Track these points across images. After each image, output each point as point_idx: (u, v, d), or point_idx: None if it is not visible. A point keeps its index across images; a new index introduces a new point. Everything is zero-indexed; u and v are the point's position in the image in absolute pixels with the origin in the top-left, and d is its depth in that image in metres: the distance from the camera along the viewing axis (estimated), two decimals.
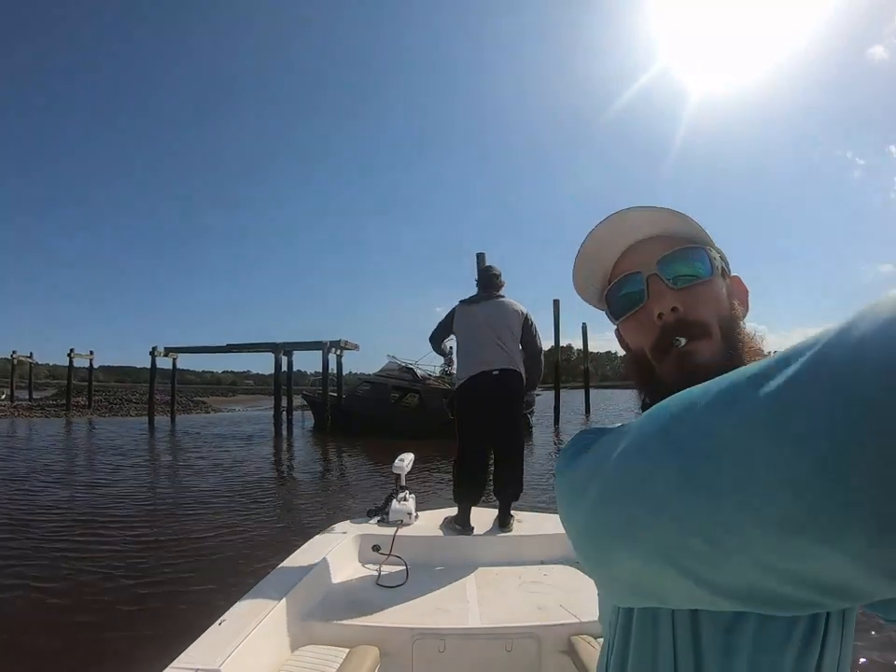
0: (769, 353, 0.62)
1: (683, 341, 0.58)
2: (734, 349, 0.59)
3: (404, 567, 2.38)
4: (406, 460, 3.02)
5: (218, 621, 1.63)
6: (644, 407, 0.64)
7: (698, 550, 0.33)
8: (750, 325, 0.65)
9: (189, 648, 1.47)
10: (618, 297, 0.67)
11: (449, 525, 2.83)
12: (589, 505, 0.45)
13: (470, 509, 2.93)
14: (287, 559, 2.26)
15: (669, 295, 0.61)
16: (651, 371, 0.63)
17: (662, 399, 0.54)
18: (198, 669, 1.36)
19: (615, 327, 0.71)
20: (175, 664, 1.38)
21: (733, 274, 0.69)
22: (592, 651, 1.64)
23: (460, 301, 3.46)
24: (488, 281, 3.44)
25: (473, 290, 3.50)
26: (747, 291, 0.69)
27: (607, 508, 0.42)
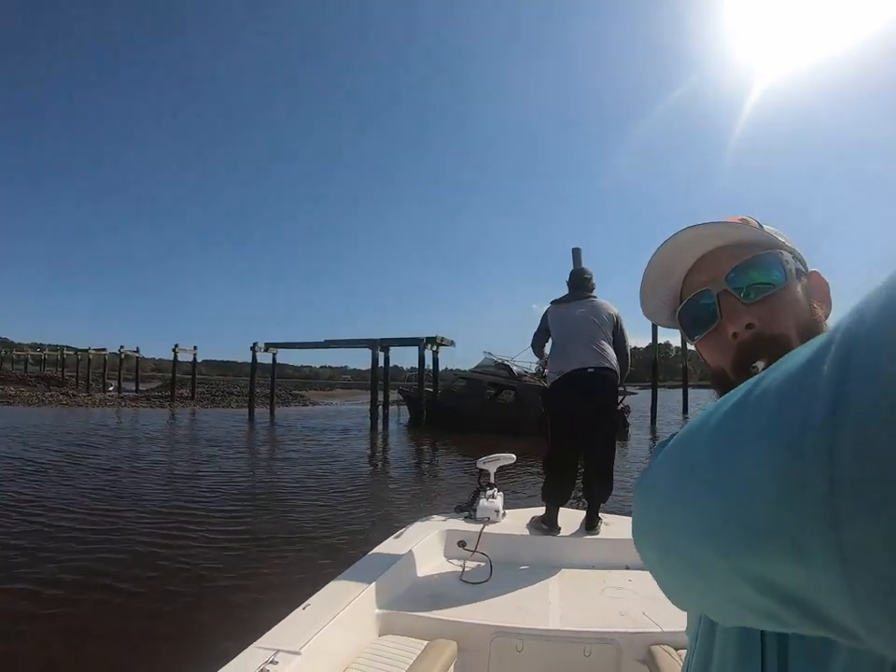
0: None
1: (760, 365, 0.54)
2: None
3: (488, 565, 2.38)
4: (496, 457, 3.02)
5: (303, 605, 1.70)
6: None
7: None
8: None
9: (273, 629, 1.54)
10: (690, 317, 0.64)
11: (536, 524, 2.82)
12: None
13: (558, 509, 2.90)
14: (374, 550, 2.32)
15: (743, 311, 0.58)
16: None
17: None
18: (279, 650, 1.41)
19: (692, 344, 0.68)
20: (257, 643, 1.46)
21: (811, 270, 0.64)
22: (671, 662, 1.58)
23: (552, 302, 3.47)
24: (580, 283, 3.44)
25: (564, 287, 3.51)
26: (828, 286, 0.65)
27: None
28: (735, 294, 0.59)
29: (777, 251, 0.61)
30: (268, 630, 1.53)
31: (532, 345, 3.59)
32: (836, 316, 0.60)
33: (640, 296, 0.68)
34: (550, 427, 3.24)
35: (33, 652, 3.25)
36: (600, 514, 2.90)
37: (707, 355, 0.64)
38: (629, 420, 18.05)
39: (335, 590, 1.85)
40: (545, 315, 3.48)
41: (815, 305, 0.60)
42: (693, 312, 0.64)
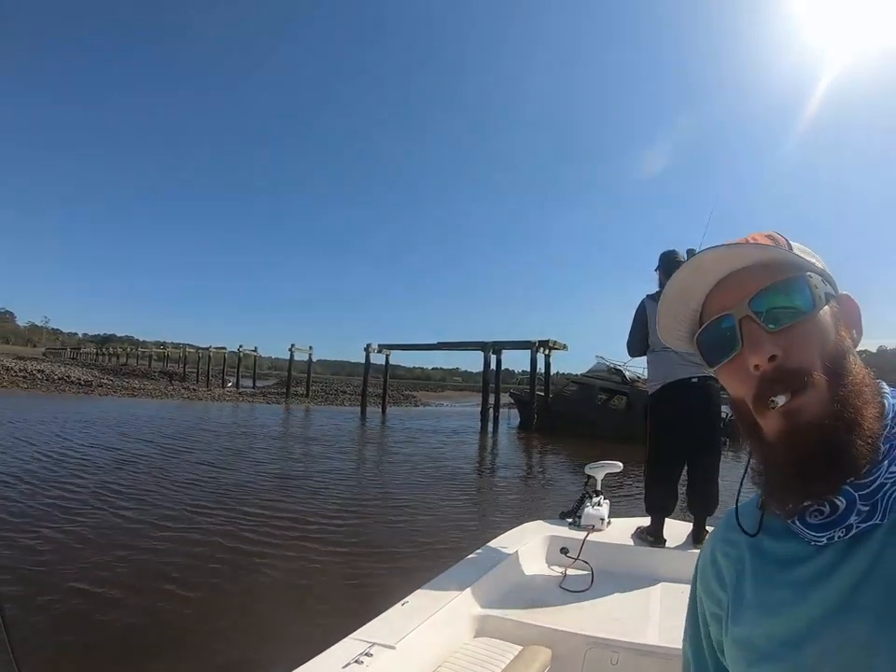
0: (883, 392, 0.57)
1: (781, 399, 0.52)
2: (841, 397, 0.52)
3: (590, 573, 2.35)
4: (604, 464, 2.98)
5: (402, 601, 1.75)
6: (751, 468, 0.60)
7: None
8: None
9: (370, 623, 1.59)
10: (709, 343, 0.60)
11: (641, 535, 2.77)
12: None
13: (663, 521, 2.83)
14: (476, 551, 2.36)
15: (766, 341, 0.54)
16: (755, 425, 0.57)
17: (767, 457, 0.57)
18: (374, 643, 1.44)
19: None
20: (354, 634, 1.51)
21: (841, 293, 0.60)
22: None
23: (648, 297, 3.25)
24: (673, 269, 3.16)
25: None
26: (859, 311, 0.60)
27: None
28: (758, 321, 0.55)
29: (805, 274, 0.56)
30: (366, 623, 1.58)
31: (629, 345, 3.34)
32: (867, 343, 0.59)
33: (658, 319, 0.65)
34: (650, 437, 3.13)
35: None
36: (708, 528, 2.80)
37: (727, 383, 0.60)
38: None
39: (434, 588, 1.89)
40: (642, 310, 3.24)
41: (842, 333, 0.57)
42: (712, 337, 0.60)
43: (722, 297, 0.59)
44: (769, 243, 0.59)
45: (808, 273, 0.56)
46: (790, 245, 0.60)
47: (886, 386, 0.58)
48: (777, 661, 0.54)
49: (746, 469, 0.61)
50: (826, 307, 0.56)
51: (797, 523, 0.56)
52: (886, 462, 0.52)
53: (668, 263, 3.23)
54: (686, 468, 3.12)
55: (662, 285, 3.23)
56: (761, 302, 0.55)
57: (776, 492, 0.56)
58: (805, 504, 0.54)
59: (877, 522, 0.51)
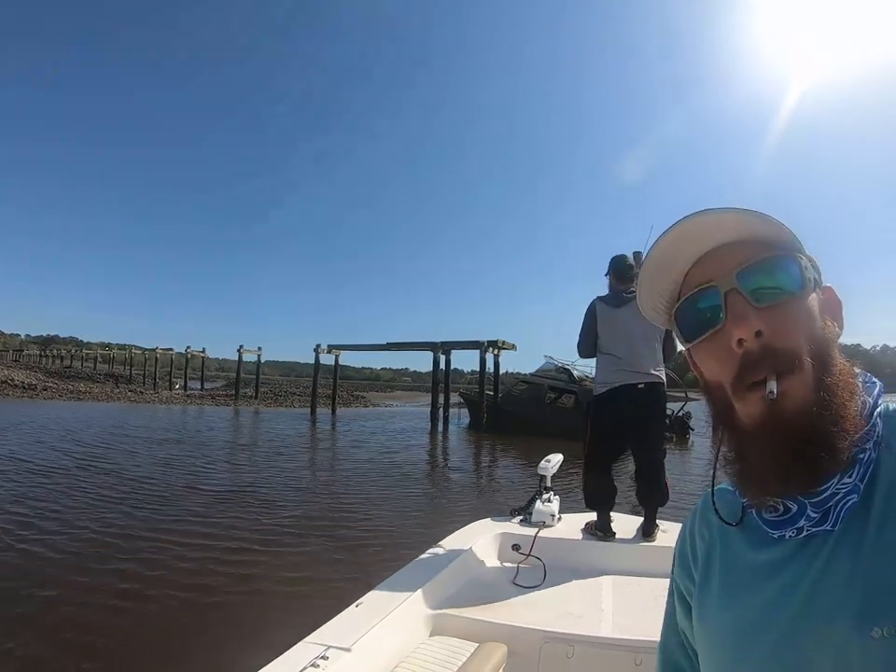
0: (862, 382, 0.54)
1: (774, 387, 0.48)
2: (827, 386, 0.50)
3: (542, 569, 2.37)
4: (553, 461, 3.01)
5: (355, 603, 1.73)
6: (721, 456, 0.57)
7: None
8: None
9: (325, 625, 1.57)
10: (689, 316, 0.57)
11: (590, 530, 2.81)
12: None
13: (609, 514, 2.90)
14: (428, 551, 2.35)
15: (753, 315, 0.51)
16: (730, 410, 0.54)
17: (743, 445, 0.53)
18: (329, 646, 1.42)
19: (684, 349, 0.60)
20: (308, 639, 1.48)
21: (825, 284, 0.57)
22: None
23: (599, 299, 3.28)
24: (628, 275, 3.21)
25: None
26: (840, 305, 0.57)
27: None
28: (744, 294, 0.52)
29: (796, 254, 0.54)
30: (320, 626, 1.55)
31: (579, 347, 3.36)
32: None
33: (638, 289, 0.61)
34: (589, 436, 3.19)
35: None
36: (658, 521, 2.86)
37: (703, 362, 0.57)
38: (692, 424, 17.50)
39: (388, 589, 1.88)
40: (592, 312, 3.25)
41: (828, 322, 0.54)
42: (693, 310, 0.56)
43: (707, 269, 0.56)
44: None
45: (799, 255, 0.54)
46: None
47: (874, 379, 0.56)
48: (737, 643, 0.54)
49: (716, 456, 0.58)
50: (814, 293, 0.54)
51: (754, 513, 0.56)
52: (840, 473, 0.50)
53: (619, 266, 3.26)
54: (634, 465, 3.23)
55: (612, 289, 3.29)
56: (749, 276, 0.52)
57: (751, 484, 0.54)
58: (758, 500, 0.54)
59: (829, 528, 0.50)
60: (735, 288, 0.52)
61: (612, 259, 3.30)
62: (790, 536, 0.52)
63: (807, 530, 0.51)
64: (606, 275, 3.34)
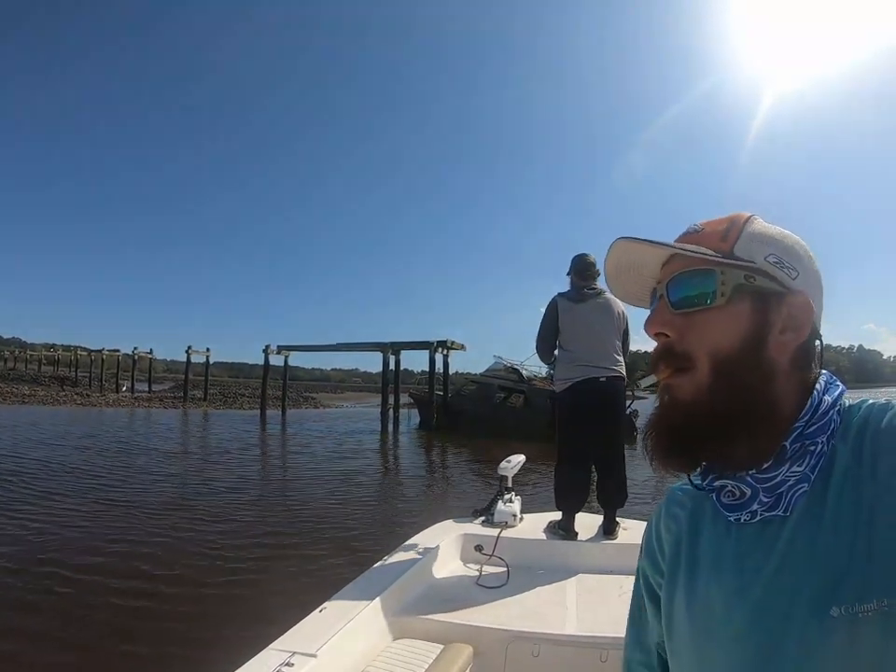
0: (825, 383, 0.60)
1: (643, 382, 0.56)
2: (724, 389, 0.55)
3: (505, 569, 2.37)
4: (513, 462, 3.00)
5: (319, 608, 1.71)
6: None
7: None
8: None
9: (289, 632, 1.54)
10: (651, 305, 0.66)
11: (553, 529, 2.82)
12: None
13: (574, 514, 2.90)
14: (390, 554, 2.32)
15: (666, 318, 0.60)
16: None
17: (652, 417, 0.63)
18: (294, 653, 1.41)
19: None
20: (273, 646, 1.45)
21: (796, 290, 0.59)
22: None
23: (560, 295, 3.26)
24: (589, 272, 3.22)
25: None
26: (810, 310, 0.58)
27: None
28: (667, 299, 0.60)
29: (719, 269, 0.58)
30: (284, 632, 1.53)
31: (538, 349, 3.34)
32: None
33: (607, 281, 0.69)
34: (559, 435, 3.20)
35: None
36: (618, 519, 2.90)
37: None
38: (637, 425, 18.02)
39: (351, 593, 1.86)
40: (553, 308, 3.24)
41: (772, 335, 0.57)
42: (650, 303, 0.66)
43: (664, 271, 0.63)
44: (724, 227, 0.61)
45: (721, 270, 0.58)
46: (741, 231, 0.60)
47: (838, 382, 0.61)
48: (706, 633, 0.58)
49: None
50: (741, 306, 0.57)
51: (714, 498, 0.61)
52: (789, 462, 0.55)
53: (581, 265, 3.26)
54: (594, 464, 3.20)
55: (575, 286, 3.28)
56: (674, 285, 0.60)
57: (651, 450, 0.61)
58: (717, 483, 0.60)
59: (781, 514, 0.55)
60: (664, 294, 0.61)
61: (574, 258, 3.31)
62: (745, 519, 0.58)
63: (761, 514, 0.56)
64: (567, 275, 3.34)
